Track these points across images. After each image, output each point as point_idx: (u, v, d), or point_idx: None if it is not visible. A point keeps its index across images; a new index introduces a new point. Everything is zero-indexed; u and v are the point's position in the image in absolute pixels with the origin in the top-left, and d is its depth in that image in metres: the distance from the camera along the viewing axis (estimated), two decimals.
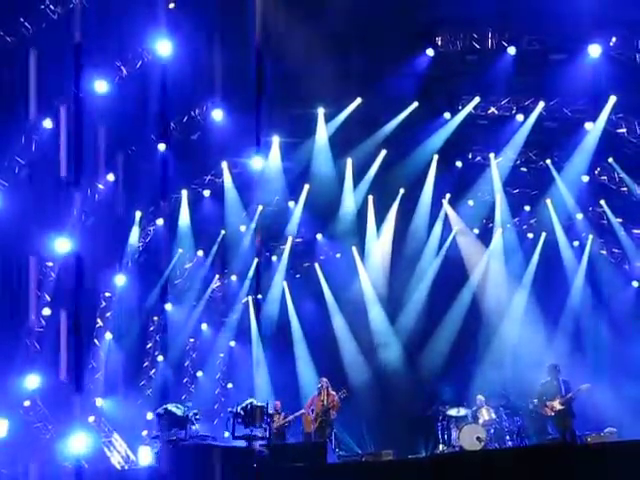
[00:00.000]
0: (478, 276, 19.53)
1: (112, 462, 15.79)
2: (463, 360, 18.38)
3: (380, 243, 19.59)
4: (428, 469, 11.84)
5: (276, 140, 17.65)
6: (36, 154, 14.38)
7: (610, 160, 17.57)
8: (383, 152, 18.00)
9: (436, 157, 18.22)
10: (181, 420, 13.96)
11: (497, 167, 18.44)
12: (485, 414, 15.58)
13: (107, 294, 17.63)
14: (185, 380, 20.03)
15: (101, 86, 14.60)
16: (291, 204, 19.13)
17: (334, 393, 14.92)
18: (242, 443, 13.55)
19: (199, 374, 20.25)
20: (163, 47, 14.37)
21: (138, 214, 17.82)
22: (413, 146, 17.70)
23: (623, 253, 18.95)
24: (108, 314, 17.65)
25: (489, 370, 17.94)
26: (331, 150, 17.61)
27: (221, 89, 15.29)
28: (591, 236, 18.99)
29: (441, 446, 15.55)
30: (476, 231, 19.84)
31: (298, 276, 20.92)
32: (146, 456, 15.35)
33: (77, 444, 13.67)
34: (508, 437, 15.25)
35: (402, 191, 19.10)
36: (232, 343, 20.63)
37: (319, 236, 20.21)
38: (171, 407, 14.15)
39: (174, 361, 19.25)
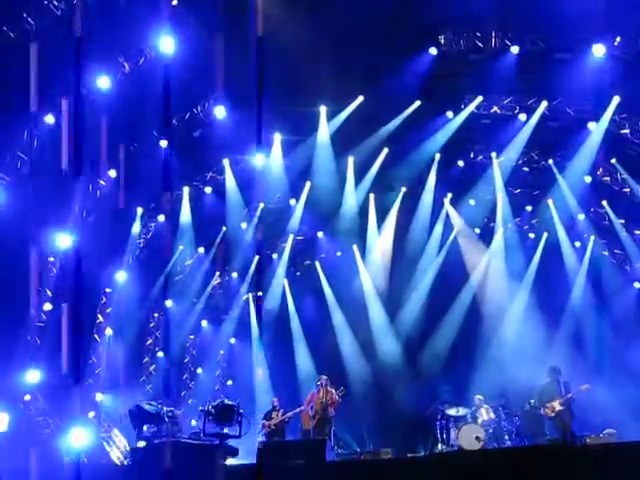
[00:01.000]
0: (479, 276, 19.53)
1: (111, 457, 15.80)
2: (463, 359, 18.39)
3: (381, 242, 19.58)
4: (427, 468, 11.87)
5: (278, 138, 17.64)
6: (38, 150, 14.38)
7: (613, 161, 17.55)
8: (385, 150, 17.99)
9: (438, 156, 18.21)
10: (153, 417, 14.03)
11: (499, 167, 18.43)
12: (484, 414, 15.60)
13: (108, 290, 17.64)
14: (185, 376, 20.05)
15: (103, 82, 14.60)
16: (292, 202, 19.13)
17: (333, 391, 14.94)
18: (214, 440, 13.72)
19: (199, 371, 20.26)
20: (166, 43, 14.36)
21: (139, 210, 17.83)
22: (415, 145, 17.69)
23: (625, 254, 18.94)
24: (109, 310, 17.66)
25: (488, 370, 17.95)
26: (333, 148, 17.60)
27: (223, 86, 15.27)
28: (593, 237, 18.98)
29: (440, 445, 15.56)
30: (477, 231, 19.83)
31: (299, 274, 20.93)
32: None
33: (77, 439, 13.68)
34: (507, 437, 15.27)
35: (404, 190, 19.09)
36: (232, 340, 20.65)
37: (320, 234, 20.21)
38: (144, 404, 14.25)
39: (174, 357, 19.26)
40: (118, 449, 16.22)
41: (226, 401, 14.10)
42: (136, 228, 17.89)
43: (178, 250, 18.90)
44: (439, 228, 19.45)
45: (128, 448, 15.77)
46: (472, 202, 19.35)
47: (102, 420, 16.62)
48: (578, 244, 19.20)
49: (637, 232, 18.61)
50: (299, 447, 13.03)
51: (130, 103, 14.99)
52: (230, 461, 17.00)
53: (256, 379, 19.55)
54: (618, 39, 15.02)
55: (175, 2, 14.26)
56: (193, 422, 18.21)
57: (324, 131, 17.36)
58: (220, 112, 16.37)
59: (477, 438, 14.71)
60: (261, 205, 19.02)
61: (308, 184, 18.66)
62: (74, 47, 13.07)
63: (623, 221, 18.58)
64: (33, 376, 14.63)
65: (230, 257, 19.97)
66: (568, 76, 15.47)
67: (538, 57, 15.58)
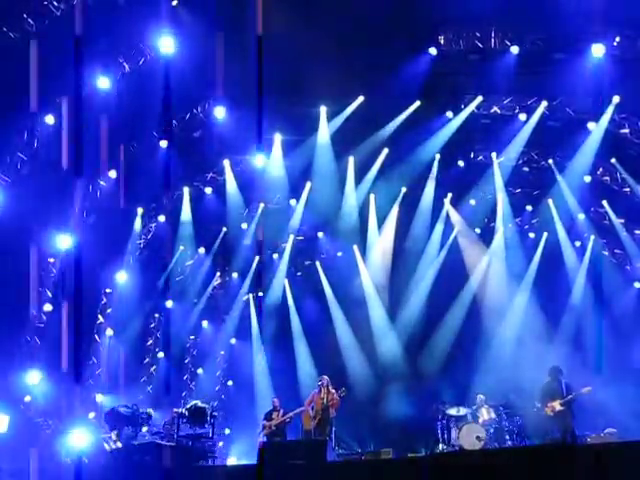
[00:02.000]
0: (479, 276, 19.53)
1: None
2: (463, 359, 18.39)
3: (381, 242, 19.59)
4: (427, 468, 11.83)
5: (278, 138, 17.64)
6: (38, 150, 14.38)
7: (613, 160, 17.55)
8: (385, 151, 17.99)
9: (438, 156, 18.20)
10: (129, 420, 14.12)
11: (499, 167, 18.43)
12: (485, 413, 15.61)
13: (108, 290, 17.64)
14: (185, 377, 20.04)
15: (104, 82, 14.61)
16: (292, 202, 19.12)
17: (334, 391, 14.94)
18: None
19: (200, 371, 20.26)
20: (166, 44, 14.36)
21: (140, 211, 17.83)
22: (415, 145, 17.69)
23: (625, 254, 18.93)
24: (109, 310, 17.66)
25: (489, 370, 17.95)
26: (333, 148, 17.60)
27: (223, 86, 15.28)
28: (593, 236, 18.97)
29: (441, 445, 15.58)
30: (477, 231, 19.83)
31: (299, 274, 20.93)
32: None
33: (77, 440, 13.68)
34: (508, 437, 15.29)
35: (404, 190, 19.09)
36: (233, 340, 20.65)
37: (320, 234, 20.20)
38: (119, 407, 14.35)
39: (175, 358, 19.26)
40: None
41: (199, 403, 14.31)
42: (136, 228, 17.89)
43: (178, 250, 18.90)
44: (439, 228, 19.45)
45: None
46: (472, 202, 19.36)
47: (102, 421, 16.61)
48: (578, 244, 19.20)
49: (637, 232, 18.60)
50: (300, 447, 13.02)
51: (130, 103, 15.00)
52: (230, 461, 17.06)
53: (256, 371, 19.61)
54: (618, 39, 15.03)
55: (175, 2, 14.27)
56: None
57: (324, 131, 17.36)
58: (220, 112, 16.37)
59: (478, 438, 14.73)
60: (261, 205, 19.02)
61: (308, 184, 18.66)
62: (74, 47, 13.06)
63: (623, 221, 18.57)
64: (33, 377, 14.62)
65: (230, 257, 19.97)
66: (568, 76, 15.48)
67: (538, 57, 15.59)
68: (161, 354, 18.90)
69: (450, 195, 19.35)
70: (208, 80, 15.22)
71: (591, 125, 16.69)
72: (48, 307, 15.41)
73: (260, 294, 20.34)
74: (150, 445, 13.55)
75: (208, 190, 18.71)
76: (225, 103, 16.23)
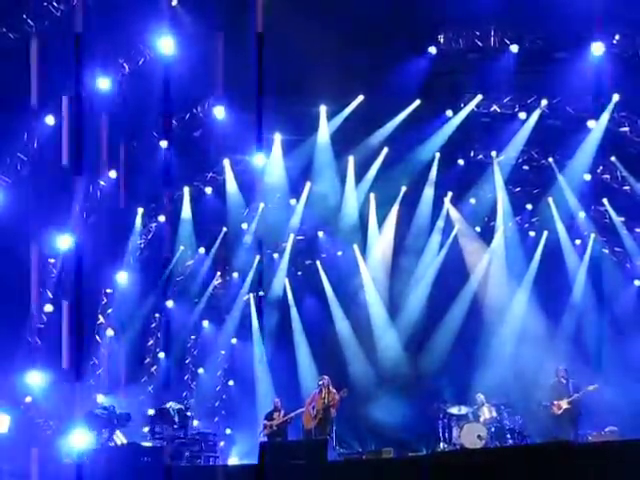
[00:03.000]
0: (479, 274, 19.53)
1: None
2: (464, 358, 18.39)
3: (381, 241, 19.58)
4: (428, 467, 11.82)
5: (278, 137, 17.64)
6: (38, 151, 14.38)
7: (613, 159, 17.54)
8: (385, 150, 17.99)
9: (438, 155, 18.20)
10: (106, 422, 14.18)
11: (499, 165, 18.42)
12: (486, 412, 15.61)
13: (109, 291, 17.64)
14: (186, 377, 20.05)
15: (103, 83, 14.61)
16: (293, 201, 19.12)
17: (335, 391, 14.94)
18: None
19: (200, 371, 20.27)
20: (165, 44, 14.36)
21: (140, 211, 17.83)
22: (415, 144, 17.69)
23: (625, 252, 18.93)
24: (109, 310, 17.66)
25: (490, 368, 17.95)
26: (333, 148, 17.60)
27: (223, 86, 15.27)
28: (593, 235, 18.97)
29: (442, 444, 15.60)
30: (478, 229, 19.83)
31: (300, 273, 20.93)
32: None
33: (78, 440, 13.68)
34: (509, 436, 15.29)
35: (404, 189, 19.09)
36: (233, 340, 20.65)
37: (321, 234, 20.20)
38: (95, 410, 14.41)
39: (175, 358, 19.27)
40: None
41: (172, 404, 14.43)
42: (137, 228, 17.89)
43: (179, 250, 18.90)
44: (439, 227, 19.45)
45: None
46: (472, 201, 19.35)
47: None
48: (578, 242, 19.20)
49: (637, 230, 18.60)
50: (301, 447, 13.00)
51: (130, 104, 15.00)
52: (232, 460, 17.07)
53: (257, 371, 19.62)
54: (617, 37, 15.02)
55: (175, 2, 14.27)
56: (195, 422, 18.25)
57: (324, 131, 17.35)
58: (220, 112, 16.37)
59: (479, 437, 14.74)
60: (261, 205, 19.02)
61: (308, 184, 18.66)
62: (74, 48, 13.06)
63: (623, 219, 18.57)
64: (34, 378, 14.62)
65: (231, 257, 19.96)
66: (568, 75, 15.47)
67: (537, 56, 15.58)
68: (162, 354, 18.91)
69: (450, 194, 19.35)
70: (208, 80, 15.20)
71: (591, 123, 16.69)
72: (49, 307, 15.41)
73: (261, 294, 20.35)
74: (125, 446, 13.60)
75: (208, 190, 18.71)
76: (225, 103, 16.23)
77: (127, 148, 16.15)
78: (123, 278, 17.67)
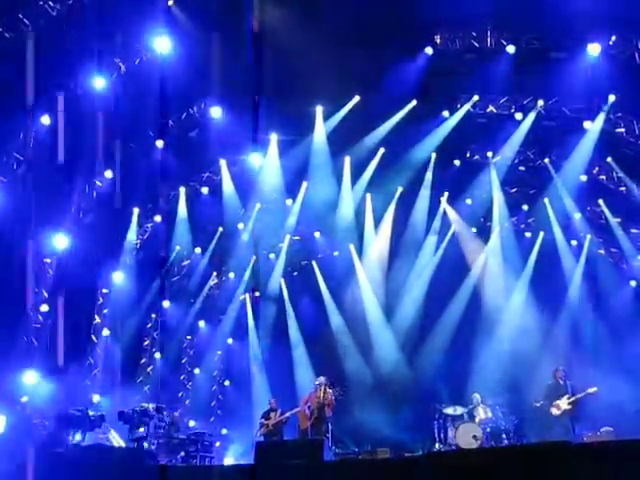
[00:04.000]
0: (476, 275, 19.55)
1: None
2: (460, 359, 18.41)
3: (378, 242, 19.59)
4: (424, 467, 11.83)
5: (274, 138, 17.64)
6: (34, 151, 14.36)
7: (609, 159, 17.57)
8: (381, 150, 18.00)
9: (434, 155, 18.21)
10: (78, 422, 14.19)
11: (495, 166, 18.44)
12: (481, 413, 15.62)
13: (104, 291, 17.62)
14: (182, 377, 20.04)
15: (99, 82, 14.59)
16: (289, 202, 19.12)
17: (331, 391, 14.94)
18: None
19: (196, 371, 20.26)
20: (162, 44, 14.35)
21: (136, 211, 17.81)
22: (411, 144, 17.69)
23: (621, 252, 18.96)
24: (105, 311, 17.64)
25: (486, 369, 17.97)
26: (329, 148, 17.60)
27: (219, 86, 15.27)
28: (589, 235, 19.00)
29: (437, 444, 15.60)
30: (474, 230, 19.85)
31: (296, 274, 20.93)
32: None
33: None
34: (504, 436, 15.30)
35: (400, 189, 19.10)
36: (229, 340, 20.65)
37: (317, 234, 20.20)
38: (70, 409, 14.43)
39: (171, 358, 19.27)
40: None
41: (145, 405, 14.73)
42: (133, 229, 17.87)
43: (175, 250, 18.90)
44: (436, 227, 19.46)
45: None
46: (468, 201, 19.36)
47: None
48: (574, 243, 19.24)
49: (633, 230, 18.62)
50: (297, 447, 13.00)
51: (126, 103, 14.98)
52: (227, 460, 17.06)
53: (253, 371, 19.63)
54: (613, 38, 15.03)
55: (171, 2, 14.26)
56: (192, 423, 18.26)
57: (320, 131, 17.35)
58: (216, 112, 16.37)
59: (474, 437, 14.75)
60: (258, 205, 19.01)
61: (305, 184, 18.66)
62: (70, 48, 13.05)
63: (619, 219, 18.59)
64: (30, 377, 14.60)
65: (227, 257, 19.97)
66: (564, 75, 15.48)
67: (534, 56, 15.58)
68: (158, 354, 18.89)
69: (446, 194, 19.36)
70: (204, 80, 15.21)
71: (587, 124, 16.70)
72: (44, 307, 15.39)
73: (257, 294, 20.34)
74: (94, 447, 13.65)
75: (204, 190, 18.70)
76: (221, 103, 16.22)
77: (123, 148, 16.14)
78: (119, 278, 17.65)
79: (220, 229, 19.36)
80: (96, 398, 16.70)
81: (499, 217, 19.27)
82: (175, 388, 19.38)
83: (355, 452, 16.28)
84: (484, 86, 16.44)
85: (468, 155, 18.56)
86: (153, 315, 19.01)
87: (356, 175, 18.54)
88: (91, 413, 14.39)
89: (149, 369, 18.91)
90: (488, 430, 15.24)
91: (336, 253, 20.30)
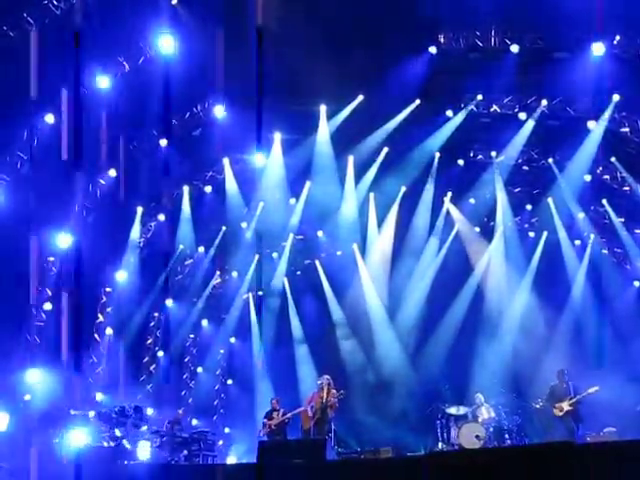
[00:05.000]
0: (479, 275, 19.53)
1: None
2: (463, 358, 18.39)
3: (381, 241, 19.58)
4: (427, 467, 11.82)
5: (278, 137, 17.64)
6: (38, 149, 14.38)
7: (613, 159, 17.54)
8: (385, 150, 17.99)
9: (438, 155, 18.20)
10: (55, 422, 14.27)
11: (499, 166, 18.42)
12: (484, 412, 15.61)
13: (108, 289, 17.64)
14: (185, 376, 20.06)
15: (103, 81, 14.61)
16: (292, 201, 19.12)
17: (334, 392, 14.92)
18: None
19: (199, 370, 20.28)
20: (165, 43, 14.36)
21: (139, 210, 17.83)
22: (415, 144, 17.68)
23: (625, 253, 18.94)
24: (109, 309, 17.67)
25: (489, 369, 17.96)
26: (333, 147, 17.60)
27: (223, 85, 15.27)
28: (592, 235, 18.97)
29: (440, 444, 15.59)
30: (477, 229, 19.84)
31: (299, 273, 20.93)
32: (145, 451, 15.38)
33: (77, 439, 13.69)
34: (507, 436, 15.29)
35: (403, 189, 19.08)
36: (232, 339, 20.66)
37: (320, 233, 20.20)
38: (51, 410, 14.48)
39: (174, 357, 19.27)
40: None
41: (125, 406, 14.86)
42: (136, 227, 17.89)
43: (178, 249, 18.91)
44: (439, 227, 19.45)
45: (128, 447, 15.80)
46: (472, 201, 19.35)
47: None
48: (578, 243, 19.21)
49: (637, 231, 18.60)
50: (299, 446, 12.99)
51: (130, 102, 15.00)
52: (230, 460, 17.07)
53: (256, 370, 19.62)
54: (618, 38, 15.01)
55: (175, 1, 14.27)
56: (194, 421, 18.27)
57: (324, 130, 17.35)
58: (220, 111, 16.38)
59: (477, 437, 14.74)
60: (261, 204, 19.01)
61: (308, 183, 18.66)
62: (74, 46, 13.05)
63: (623, 220, 18.57)
64: (33, 375, 14.63)
65: (230, 256, 19.97)
66: (568, 75, 15.45)
67: (538, 56, 15.56)
68: (161, 353, 18.91)
69: (450, 194, 19.35)
70: (208, 79, 15.21)
71: (591, 124, 16.67)
72: (48, 306, 15.42)
73: (260, 293, 20.34)
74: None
75: (208, 189, 18.71)
76: (225, 102, 16.23)
77: (127, 147, 16.16)
78: (122, 277, 17.67)
79: (223, 228, 19.37)
80: (99, 396, 16.73)
81: (503, 217, 19.25)
82: (178, 387, 19.39)
83: (358, 452, 16.26)
84: (488, 86, 16.43)
85: (472, 155, 18.55)
86: (156, 314, 19.02)
87: (359, 174, 18.53)
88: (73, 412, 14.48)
89: (152, 367, 18.93)
90: (491, 430, 15.23)
91: (339, 252, 20.29)
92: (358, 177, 18.56)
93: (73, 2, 13.38)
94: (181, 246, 18.96)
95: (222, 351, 20.57)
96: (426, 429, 16.45)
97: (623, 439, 13.64)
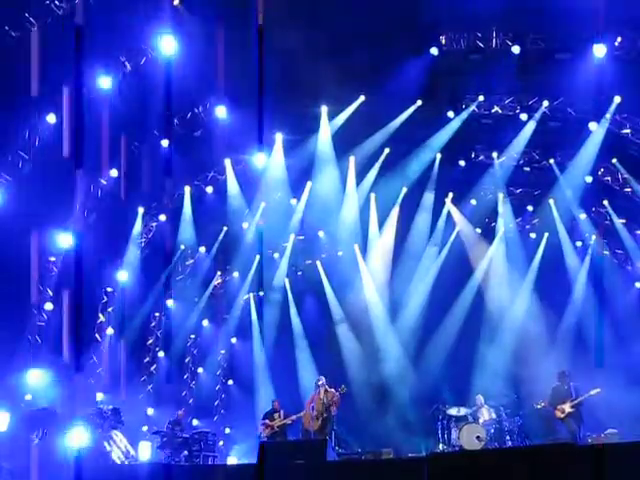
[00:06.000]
0: (480, 275, 19.52)
1: (112, 457, 15.80)
2: (464, 360, 18.39)
3: (382, 241, 19.58)
4: (427, 468, 11.82)
5: (279, 137, 17.65)
6: (39, 149, 14.39)
7: (614, 160, 17.54)
8: (386, 150, 17.99)
9: (439, 156, 18.20)
10: (41, 422, 14.27)
11: (500, 166, 18.42)
12: (485, 414, 15.62)
13: (109, 289, 17.65)
14: (186, 376, 20.05)
15: (105, 82, 14.62)
16: (293, 201, 19.12)
17: (333, 390, 14.93)
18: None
19: (200, 370, 20.27)
20: (167, 44, 14.37)
21: (141, 210, 17.84)
22: (416, 144, 17.69)
23: (626, 254, 18.92)
24: (110, 309, 17.68)
25: (490, 370, 17.95)
26: (334, 148, 17.60)
27: (224, 86, 15.28)
28: (594, 237, 18.97)
29: (441, 445, 15.59)
30: (478, 230, 19.84)
31: (300, 273, 20.93)
32: (146, 451, 15.41)
33: (77, 439, 13.69)
34: (508, 437, 15.29)
35: (405, 190, 19.09)
36: (233, 340, 20.66)
37: (321, 233, 20.20)
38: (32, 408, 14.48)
39: (175, 357, 19.27)
40: (119, 449, 16.24)
41: (105, 407, 15.00)
42: (137, 227, 17.90)
43: (179, 250, 18.91)
44: (440, 228, 19.45)
45: (129, 447, 15.82)
46: (473, 202, 19.36)
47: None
48: (579, 244, 19.21)
49: (638, 232, 18.59)
50: (300, 447, 13.01)
51: (131, 103, 15.01)
52: (231, 460, 17.08)
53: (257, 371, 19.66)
54: (619, 39, 15.02)
55: (176, 2, 14.28)
56: (195, 422, 18.27)
57: (325, 131, 17.36)
58: (221, 112, 16.38)
59: (478, 438, 14.74)
60: (262, 204, 19.02)
61: (309, 184, 18.66)
62: (76, 47, 13.06)
63: (624, 221, 18.56)
64: (34, 376, 14.63)
65: (231, 257, 19.97)
66: (569, 76, 15.46)
67: (539, 57, 15.58)
68: (161, 353, 18.91)
69: (451, 195, 19.34)
70: (209, 79, 15.22)
71: (592, 125, 16.67)
72: (49, 306, 15.43)
73: (261, 293, 20.34)
74: None
75: (209, 189, 18.72)
76: (226, 102, 16.24)
77: (128, 147, 16.17)
78: (123, 277, 17.67)
79: (224, 228, 19.37)
80: (100, 396, 16.73)
81: (504, 218, 19.25)
82: (178, 387, 19.38)
83: (358, 452, 16.27)
84: (489, 87, 16.45)
85: (473, 155, 18.55)
86: (157, 314, 19.03)
87: (361, 175, 18.54)
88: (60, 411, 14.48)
89: (153, 368, 18.93)
90: (492, 431, 15.23)
91: (340, 253, 20.28)
92: (359, 178, 18.56)
93: (75, 2, 13.39)
94: (182, 246, 18.96)
95: (223, 351, 20.57)
96: (427, 430, 16.46)
97: (625, 441, 13.64)
